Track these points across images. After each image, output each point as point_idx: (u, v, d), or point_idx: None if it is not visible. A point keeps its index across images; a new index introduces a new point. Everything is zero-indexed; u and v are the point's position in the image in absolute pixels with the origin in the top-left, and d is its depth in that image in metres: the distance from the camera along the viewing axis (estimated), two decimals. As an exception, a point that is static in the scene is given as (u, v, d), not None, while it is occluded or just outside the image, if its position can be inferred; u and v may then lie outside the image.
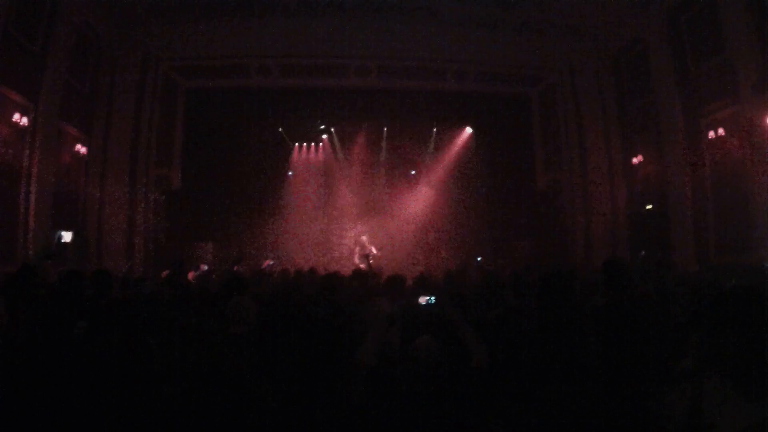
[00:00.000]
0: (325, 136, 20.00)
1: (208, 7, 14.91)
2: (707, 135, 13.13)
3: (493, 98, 19.01)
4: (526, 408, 3.23)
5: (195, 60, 16.74)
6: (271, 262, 15.99)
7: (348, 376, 3.40)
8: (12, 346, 4.38)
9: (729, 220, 12.52)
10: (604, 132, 17.11)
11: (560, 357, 3.91)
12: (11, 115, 11.58)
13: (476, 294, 7.66)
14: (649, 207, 15.57)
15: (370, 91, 18.14)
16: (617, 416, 3.12)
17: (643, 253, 15.05)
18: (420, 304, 5.81)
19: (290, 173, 20.07)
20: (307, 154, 20.42)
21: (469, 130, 19.82)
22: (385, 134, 19.92)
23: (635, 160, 16.20)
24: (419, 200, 20.05)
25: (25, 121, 11.88)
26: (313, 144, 20.38)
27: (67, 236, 13.13)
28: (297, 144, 20.14)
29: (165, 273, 11.58)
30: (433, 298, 5.62)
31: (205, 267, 14.50)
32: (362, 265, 15.01)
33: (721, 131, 12.67)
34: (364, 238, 17.66)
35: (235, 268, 14.42)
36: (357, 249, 17.43)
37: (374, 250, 15.98)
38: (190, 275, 12.72)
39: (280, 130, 19.54)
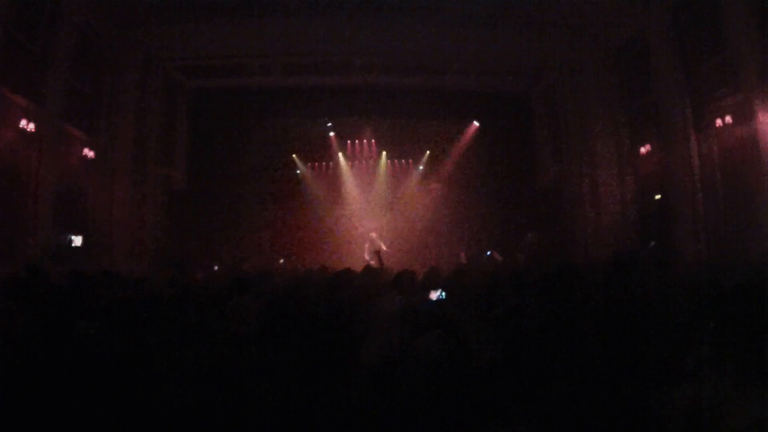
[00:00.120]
0: (331, 134, 20.00)
1: (210, 6, 14.86)
2: (713, 127, 13.05)
3: (498, 93, 18.98)
4: (531, 406, 3.20)
5: (197, 60, 16.74)
6: (282, 261, 16.04)
7: (351, 375, 3.37)
8: (16, 346, 4.38)
9: (736, 211, 12.45)
10: (611, 124, 17.02)
11: (564, 355, 3.88)
12: (16, 119, 11.59)
13: (486, 289, 7.62)
14: (658, 197, 15.49)
15: (374, 89, 18.10)
16: (621, 415, 3.08)
17: (653, 243, 14.99)
18: (430, 300, 5.79)
19: (297, 171, 20.08)
20: (314, 153, 20.40)
21: (476, 123, 19.77)
22: (391, 130, 19.90)
23: (643, 151, 16.11)
24: (427, 196, 20.06)
25: (28, 123, 11.87)
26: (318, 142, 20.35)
27: (71, 238, 13.15)
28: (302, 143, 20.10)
29: (168, 273, 11.60)
30: (443, 293, 5.60)
31: (215, 267, 14.54)
32: (372, 262, 14.99)
33: (727, 123, 12.58)
34: (373, 234, 17.66)
35: (239, 266, 14.47)
36: (367, 246, 17.43)
37: (384, 247, 15.96)
38: (198, 275, 12.74)
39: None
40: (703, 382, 2.90)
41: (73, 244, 13.11)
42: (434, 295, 5.83)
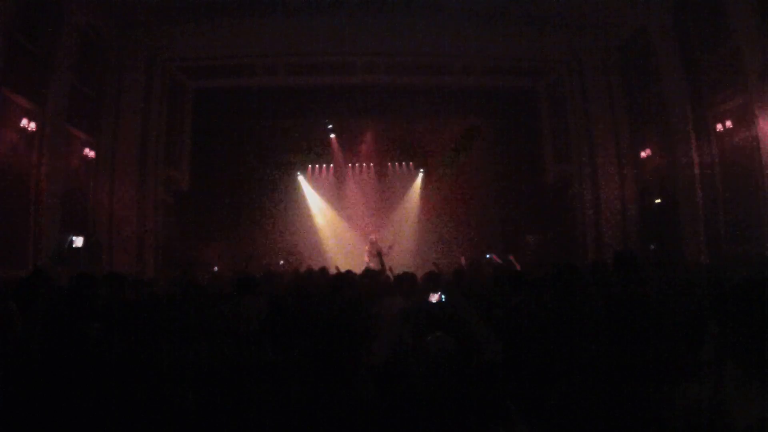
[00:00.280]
0: (332, 135, 20.00)
1: (212, 6, 14.88)
2: (715, 126, 13.06)
3: (500, 92, 18.96)
4: (531, 406, 3.22)
5: (201, 60, 16.73)
6: (282, 262, 16.04)
7: (354, 375, 3.39)
8: (25, 349, 4.40)
9: (739, 210, 12.46)
10: (613, 124, 17.03)
11: (565, 355, 3.90)
12: (19, 120, 11.63)
13: (486, 290, 7.65)
14: (658, 201, 15.49)
15: (378, 88, 18.09)
16: (622, 415, 3.11)
17: (653, 246, 15.01)
18: (430, 302, 5.81)
19: (298, 172, 20.10)
20: (314, 152, 20.39)
21: (477, 125, 19.76)
22: (393, 131, 19.91)
23: (644, 154, 16.13)
24: (428, 197, 20.07)
25: (32, 125, 11.92)
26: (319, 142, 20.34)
27: (78, 240, 13.18)
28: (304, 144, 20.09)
29: (175, 274, 11.62)
30: (443, 295, 5.63)
31: (215, 268, 14.55)
32: (372, 264, 15.00)
33: (728, 123, 12.60)
34: (373, 236, 17.66)
35: (245, 266, 14.48)
36: (367, 247, 17.43)
37: (384, 249, 15.99)
38: (202, 276, 12.76)
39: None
40: (704, 383, 2.93)
41: (77, 246, 13.13)
42: (434, 297, 5.85)
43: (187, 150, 17.46)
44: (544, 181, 18.61)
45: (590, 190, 17.16)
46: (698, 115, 13.72)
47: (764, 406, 2.42)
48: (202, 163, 17.85)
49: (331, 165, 20.59)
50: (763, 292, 2.66)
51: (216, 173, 18.43)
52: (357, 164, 20.54)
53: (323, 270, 11.22)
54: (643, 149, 16.20)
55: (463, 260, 16.47)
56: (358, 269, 12.08)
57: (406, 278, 7.83)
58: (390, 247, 16.75)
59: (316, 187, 20.19)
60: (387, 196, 20.21)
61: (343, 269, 10.72)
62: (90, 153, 14.63)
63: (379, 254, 12.69)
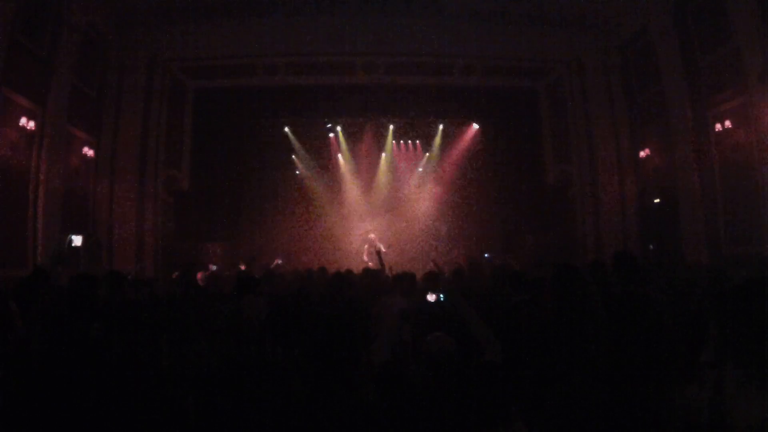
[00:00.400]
0: (331, 135, 20.00)
1: (213, 7, 14.90)
2: (715, 126, 13.06)
3: (500, 93, 18.97)
4: (532, 406, 3.23)
5: (202, 60, 16.73)
6: (280, 261, 16.02)
7: (360, 373, 3.40)
8: (26, 349, 4.41)
9: (738, 210, 12.47)
10: (613, 124, 17.04)
11: (565, 355, 3.90)
12: (19, 120, 11.62)
13: (486, 289, 7.66)
14: (657, 201, 15.49)
15: (377, 88, 18.10)
16: (622, 415, 3.12)
17: (652, 247, 15.01)
18: (430, 302, 5.82)
19: (297, 172, 20.10)
20: (315, 152, 20.40)
21: (475, 126, 19.78)
22: (392, 131, 19.93)
23: (643, 154, 16.13)
24: (427, 197, 20.08)
25: (32, 125, 11.92)
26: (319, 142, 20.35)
27: (78, 240, 13.18)
28: (305, 142, 20.10)
29: (175, 274, 11.62)
30: (442, 295, 5.63)
31: (213, 267, 14.52)
32: (371, 263, 15.01)
33: (728, 123, 12.60)
34: (372, 236, 17.66)
35: (243, 267, 14.48)
36: (366, 247, 17.43)
37: (383, 248, 15.99)
38: (199, 275, 12.75)
39: (286, 129, 19.59)
40: (705, 383, 2.93)
41: (77, 246, 13.13)
42: (434, 297, 5.85)
43: (187, 150, 17.44)
44: (544, 181, 18.60)
45: (590, 190, 17.17)
46: (698, 115, 13.72)
47: (764, 407, 2.43)
48: (202, 163, 17.84)
49: (330, 164, 20.57)
50: (763, 293, 2.67)
51: (216, 173, 18.44)
52: (356, 163, 20.52)
53: (322, 270, 11.23)
54: (643, 149, 16.21)
55: (462, 258, 16.49)
56: (357, 268, 12.09)
57: (405, 278, 7.84)
58: (389, 246, 16.75)
59: (315, 186, 20.17)
60: (386, 196, 20.20)
61: (342, 269, 10.72)
62: (90, 152, 14.62)
63: (378, 254, 12.67)
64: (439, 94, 18.30)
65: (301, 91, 18.11)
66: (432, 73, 17.89)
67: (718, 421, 2.67)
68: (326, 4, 15.12)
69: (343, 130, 19.94)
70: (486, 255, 16.50)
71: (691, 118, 13.84)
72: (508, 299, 5.77)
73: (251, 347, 4.08)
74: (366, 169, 20.50)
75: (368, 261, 16.14)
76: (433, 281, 7.75)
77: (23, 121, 11.67)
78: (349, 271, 10.48)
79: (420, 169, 20.52)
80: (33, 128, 11.95)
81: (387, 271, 11.06)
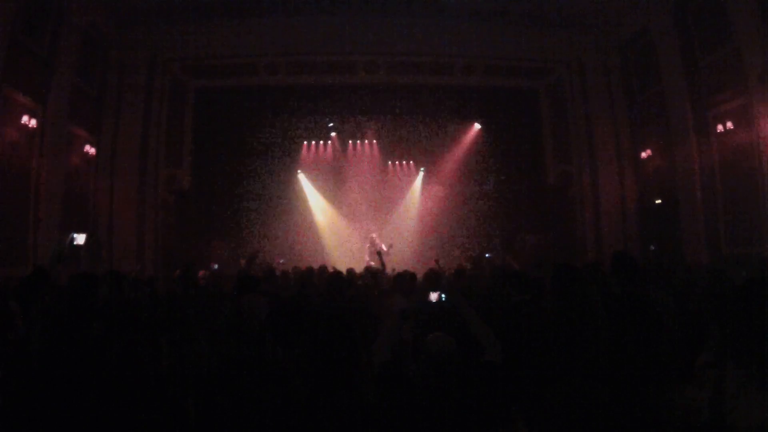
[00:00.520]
0: (333, 134, 20.00)
1: (214, 6, 14.90)
2: (715, 127, 13.06)
3: (501, 92, 18.97)
4: (532, 406, 3.23)
5: (203, 59, 16.74)
6: (282, 260, 16.00)
7: (361, 372, 3.40)
8: (26, 348, 4.41)
9: (739, 211, 12.46)
10: (613, 124, 17.05)
11: (565, 355, 3.91)
12: (20, 118, 11.64)
13: (486, 289, 7.66)
14: (658, 201, 15.49)
15: (379, 88, 18.12)
16: (623, 415, 3.12)
17: (653, 247, 15.00)
18: (430, 301, 5.82)
19: (299, 171, 20.09)
20: (316, 152, 20.41)
21: (477, 126, 19.76)
22: (393, 131, 19.90)
23: (645, 154, 16.12)
24: (429, 196, 20.07)
25: (33, 123, 11.93)
26: (321, 141, 20.35)
27: (78, 239, 13.18)
28: (306, 142, 20.10)
29: (176, 273, 11.62)
30: (443, 295, 5.63)
31: (215, 266, 14.50)
32: (372, 263, 15.01)
33: (729, 124, 12.60)
34: (374, 235, 17.66)
35: (243, 262, 14.47)
36: (367, 246, 17.44)
37: (384, 247, 15.96)
38: (201, 274, 12.74)
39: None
40: (705, 383, 2.94)
41: (78, 245, 13.13)
42: (435, 297, 5.85)
43: (188, 149, 17.44)
44: (545, 181, 18.60)
45: (590, 191, 17.18)
46: (698, 115, 13.72)
47: (766, 407, 2.43)
48: (203, 162, 17.85)
49: (332, 163, 20.57)
50: (763, 294, 2.67)
51: (217, 172, 18.44)
52: (358, 163, 20.52)
53: (323, 269, 11.22)
54: (644, 150, 16.21)
55: (463, 259, 16.50)
56: (358, 268, 12.10)
57: (406, 277, 7.84)
58: (390, 246, 16.74)
59: (317, 185, 20.17)
60: (387, 195, 20.19)
61: (343, 268, 10.72)
62: (91, 151, 14.63)
63: (379, 253, 12.67)
64: (439, 94, 18.32)
65: (303, 90, 18.12)
66: (433, 73, 17.90)
67: (718, 421, 2.67)
68: (327, 3, 15.11)
69: (344, 129, 19.92)
70: (487, 255, 16.49)
71: (692, 118, 13.84)
72: (508, 299, 5.78)
73: (251, 347, 4.08)
74: (367, 169, 20.48)
75: (370, 260, 16.15)
76: (434, 281, 7.76)
77: (24, 119, 11.69)
78: (351, 271, 10.49)
79: (422, 169, 20.49)
80: (34, 126, 11.96)
81: (389, 270, 11.07)
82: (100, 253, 13.99)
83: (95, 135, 14.93)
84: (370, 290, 8.71)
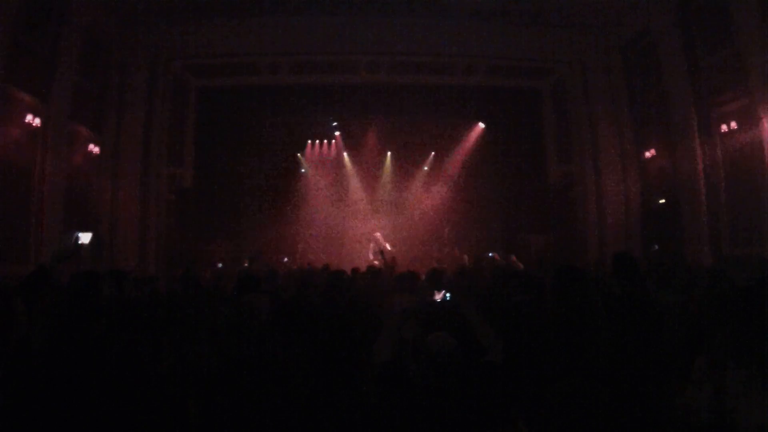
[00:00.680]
0: (337, 133, 20.01)
1: (216, 5, 14.90)
2: (719, 127, 13.03)
3: (503, 92, 18.97)
4: (534, 406, 3.23)
5: (205, 58, 16.75)
6: (285, 260, 16.03)
7: (358, 374, 3.40)
8: (28, 347, 4.41)
9: (742, 212, 12.43)
10: (616, 124, 17.01)
11: (567, 355, 3.90)
12: (22, 117, 11.65)
13: (488, 289, 7.65)
14: (662, 201, 15.45)
15: (381, 87, 18.13)
16: (626, 415, 3.11)
17: (656, 247, 14.96)
18: (435, 301, 5.82)
19: (303, 170, 20.11)
20: (320, 151, 20.45)
21: (481, 125, 19.78)
22: (396, 130, 19.91)
23: (648, 154, 16.08)
24: (431, 196, 20.08)
25: (36, 122, 11.94)
26: (324, 141, 20.39)
27: (80, 237, 13.19)
28: (309, 141, 20.14)
29: (178, 272, 11.64)
30: (448, 294, 5.64)
31: (219, 265, 14.54)
32: (376, 262, 15.01)
33: (733, 124, 12.56)
34: (377, 234, 17.67)
35: (246, 264, 14.48)
36: (371, 245, 17.44)
37: (388, 247, 15.96)
38: (205, 273, 12.77)
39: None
40: (705, 383, 2.93)
41: (80, 243, 13.14)
42: (438, 296, 5.86)
43: (190, 148, 17.47)
44: (547, 181, 18.60)
45: (593, 191, 17.15)
46: (702, 115, 13.66)
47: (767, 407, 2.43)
48: (206, 160, 17.88)
49: (335, 163, 20.61)
50: (765, 295, 2.67)
51: (219, 171, 18.48)
52: (360, 162, 20.55)
53: (326, 268, 11.23)
54: (647, 150, 16.16)
55: (465, 257, 16.50)
56: (362, 267, 12.10)
57: (408, 276, 7.84)
58: (393, 246, 16.76)
59: (319, 184, 20.19)
60: (390, 195, 20.22)
61: (347, 267, 10.73)
62: (94, 150, 14.63)
63: (382, 252, 12.68)
64: (441, 94, 18.32)
65: (305, 90, 18.13)
66: (435, 73, 17.90)
67: (719, 421, 2.67)
68: (329, 3, 15.11)
69: (347, 128, 19.94)
70: (490, 254, 16.49)
71: (695, 118, 13.79)
72: (509, 299, 5.78)
73: (252, 347, 4.08)
74: (370, 168, 20.51)
75: (373, 259, 16.15)
76: (436, 280, 7.77)
77: (28, 118, 11.70)
78: (355, 270, 10.49)
79: (425, 168, 20.51)
80: (36, 124, 11.97)
81: (391, 269, 11.07)
82: (102, 252, 14.00)
83: (97, 134, 14.91)
84: (372, 290, 8.71)
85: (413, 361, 3.83)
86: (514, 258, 12.67)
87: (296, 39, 15.77)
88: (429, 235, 19.45)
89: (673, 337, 4.23)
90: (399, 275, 8.14)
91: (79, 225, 13.44)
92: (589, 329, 4.01)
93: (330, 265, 12.00)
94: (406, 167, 20.53)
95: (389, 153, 20.42)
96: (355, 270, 10.51)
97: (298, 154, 20.04)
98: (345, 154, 20.45)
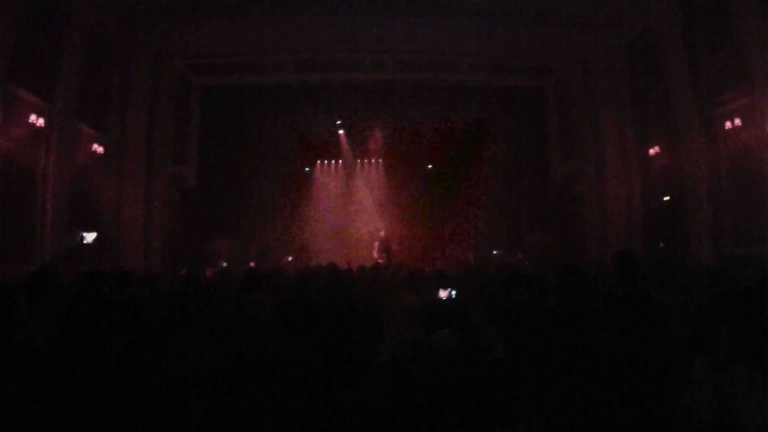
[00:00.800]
0: (341, 132, 20.01)
1: (219, 4, 14.91)
2: (722, 126, 13.01)
3: (507, 91, 18.97)
4: (537, 404, 3.24)
5: (209, 57, 16.76)
6: (290, 258, 16.04)
7: (364, 371, 3.41)
8: (31, 346, 4.43)
9: (745, 210, 12.41)
10: (619, 123, 17.00)
11: (571, 354, 3.91)
12: (26, 116, 11.69)
13: (490, 288, 7.65)
14: (666, 198, 15.43)
15: (386, 86, 18.14)
16: (628, 415, 3.12)
17: (662, 245, 14.94)
18: (441, 299, 5.82)
19: (306, 169, 20.11)
20: (324, 150, 20.44)
21: (483, 124, 19.76)
22: (400, 129, 19.90)
23: (651, 152, 16.05)
24: (435, 194, 20.06)
25: (40, 121, 11.98)
26: (329, 139, 20.39)
27: (84, 236, 13.23)
28: (313, 140, 20.14)
29: (182, 271, 11.66)
30: (454, 292, 5.64)
31: (224, 264, 14.55)
32: (381, 260, 15.02)
33: (736, 122, 12.54)
34: (382, 232, 17.67)
35: (252, 264, 14.50)
36: (376, 244, 17.44)
37: (393, 245, 15.98)
38: (209, 272, 12.79)
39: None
40: (705, 383, 2.94)
41: (84, 242, 13.18)
42: (444, 294, 5.86)
43: (194, 146, 17.50)
44: (550, 179, 18.60)
45: (596, 189, 17.14)
46: (705, 114, 13.64)
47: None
48: (209, 159, 17.90)
49: (339, 161, 20.63)
50: (766, 295, 2.68)
51: (223, 170, 18.50)
52: (365, 160, 20.57)
53: (331, 266, 11.25)
54: (649, 148, 16.14)
55: (470, 255, 16.50)
56: (367, 265, 12.12)
57: (414, 275, 7.85)
58: (398, 243, 16.76)
59: (324, 183, 20.21)
60: (395, 192, 20.21)
61: (352, 266, 10.74)
62: (97, 149, 14.66)
63: (387, 250, 12.68)
64: (445, 93, 18.32)
65: (310, 88, 18.13)
66: (439, 72, 17.89)
67: (719, 421, 2.68)
68: (332, 2, 15.11)
69: (351, 126, 19.93)
70: (494, 252, 16.50)
71: (698, 117, 13.77)
72: (512, 298, 5.78)
73: (254, 346, 4.09)
74: (375, 166, 20.52)
75: (378, 258, 16.17)
76: (442, 278, 7.77)
77: (32, 117, 11.74)
78: (361, 268, 10.50)
79: (429, 166, 20.49)
80: (41, 124, 12.01)
81: (396, 268, 11.09)
82: (105, 251, 14.04)
83: (101, 133, 14.94)
84: (377, 288, 8.72)
85: (415, 360, 3.84)
86: (520, 256, 12.67)
87: (299, 37, 15.80)
88: (433, 233, 19.43)
89: (674, 337, 4.23)
90: (406, 273, 8.15)
91: (83, 224, 13.48)
92: (590, 329, 4.01)
93: (336, 263, 12.03)
94: (409, 166, 20.51)
95: (393, 151, 20.39)
96: (360, 268, 10.53)
97: (302, 153, 20.01)
98: (349, 152, 20.42)
